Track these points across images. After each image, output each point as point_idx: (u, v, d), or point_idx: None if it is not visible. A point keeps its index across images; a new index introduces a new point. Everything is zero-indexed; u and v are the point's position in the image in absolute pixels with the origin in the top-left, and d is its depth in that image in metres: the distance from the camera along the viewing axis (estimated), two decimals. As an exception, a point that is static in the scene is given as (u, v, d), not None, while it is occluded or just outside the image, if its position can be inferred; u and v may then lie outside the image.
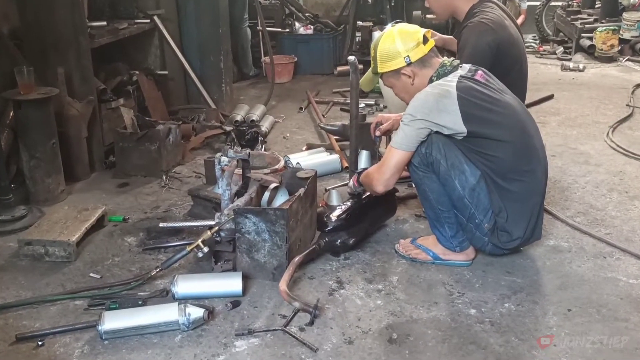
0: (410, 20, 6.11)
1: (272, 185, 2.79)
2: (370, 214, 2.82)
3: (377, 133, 3.03)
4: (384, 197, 2.84)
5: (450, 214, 2.53)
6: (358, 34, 6.51)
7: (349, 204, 2.80)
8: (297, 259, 2.51)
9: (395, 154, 2.46)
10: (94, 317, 2.24)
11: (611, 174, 3.62)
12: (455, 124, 2.37)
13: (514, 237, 2.50)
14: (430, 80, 2.49)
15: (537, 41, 7.89)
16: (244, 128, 4.24)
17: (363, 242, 2.79)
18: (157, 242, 2.86)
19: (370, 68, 2.66)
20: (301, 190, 2.66)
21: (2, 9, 3.48)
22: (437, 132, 2.41)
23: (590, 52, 6.93)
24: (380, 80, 2.70)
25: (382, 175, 2.51)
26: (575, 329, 2.21)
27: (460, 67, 2.51)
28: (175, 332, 2.19)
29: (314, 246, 2.64)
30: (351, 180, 2.83)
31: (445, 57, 2.57)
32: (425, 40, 2.51)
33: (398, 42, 2.50)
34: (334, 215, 2.73)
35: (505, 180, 2.44)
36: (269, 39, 5.53)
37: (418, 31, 2.52)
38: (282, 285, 2.35)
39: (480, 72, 2.51)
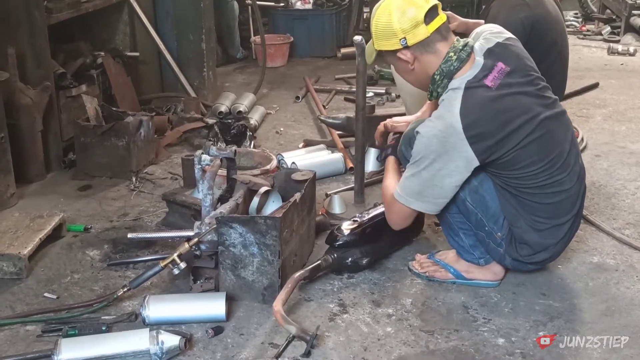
0: None
1: (263, 190, 2.79)
2: (391, 231, 2.81)
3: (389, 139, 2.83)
4: None
5: (463, 219, 2.54)
6: (366, 9, 6.52)
7: (366, 215, 2.80)
8: (297, 274, 2.51)
9: (399, 207, 2.49)
10: (48, 346, 2.23)
11: (667, 178, 3.64)
12: (467, 165, 2.33)
13: (537, 250, 2.50)
14: (433, 79, 2.40)
15: (580, 19, 7.90)
16: (230, 121, 4.24)
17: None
18: (125, 257, 2.86)
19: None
20: (297, 196, 2.67)
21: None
22: None
23: (642, 32, 6.95)
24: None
25: (390, 221, 2.59)
26: (623, 363, 2.21)
27: (469, 59, 2.36)
28: (145, 363, 2.18)
29: (319, 261, 2.64)
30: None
31: (454, 42, 2.40)
32: (431, 17, 2.34)
33: (395, 19, 2.34)
34: (346, 228, 2.72)
35: (520, 184, 2.40)
36: (260, 14, 5.54)
37: (421, 6, 2.34)
38: (277, 305, 2.34)
39: (495, 69, 2.34)
